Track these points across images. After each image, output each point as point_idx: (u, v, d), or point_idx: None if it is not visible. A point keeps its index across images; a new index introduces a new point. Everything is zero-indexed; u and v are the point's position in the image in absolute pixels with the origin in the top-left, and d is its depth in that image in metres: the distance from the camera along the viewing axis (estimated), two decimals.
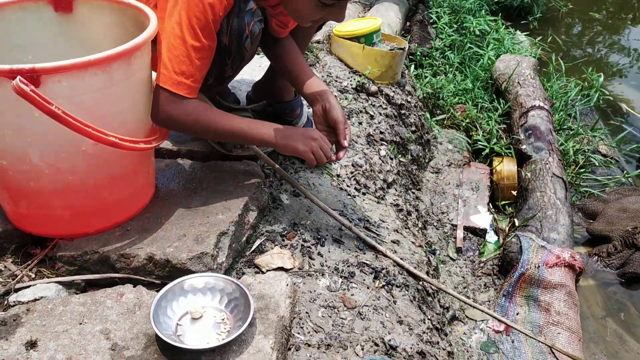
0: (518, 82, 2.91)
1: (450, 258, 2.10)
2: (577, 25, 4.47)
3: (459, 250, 2.15)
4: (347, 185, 1.79)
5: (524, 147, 2.56)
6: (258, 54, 2.17)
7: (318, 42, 2.50)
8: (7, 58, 1.33)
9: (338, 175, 1.80)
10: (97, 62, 1.08)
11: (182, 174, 1.52)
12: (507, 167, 2.51)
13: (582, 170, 2.66)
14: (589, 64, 3.71)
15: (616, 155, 2.81)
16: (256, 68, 2.07)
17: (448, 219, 2.28)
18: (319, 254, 1.45)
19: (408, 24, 3.49)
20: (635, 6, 4.79)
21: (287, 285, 1.24)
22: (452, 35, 3.38)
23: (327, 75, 2.29)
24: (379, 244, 1.56)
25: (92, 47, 1.38)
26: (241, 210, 1.38)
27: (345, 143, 1.45)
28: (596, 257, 2.25)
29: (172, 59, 1.23)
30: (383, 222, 1.72)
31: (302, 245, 1.45)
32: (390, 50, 2.36)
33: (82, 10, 1.39)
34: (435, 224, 2.20)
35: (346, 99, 2.20)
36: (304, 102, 1.90)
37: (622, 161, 2.81)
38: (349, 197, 1.73)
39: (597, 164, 2.68)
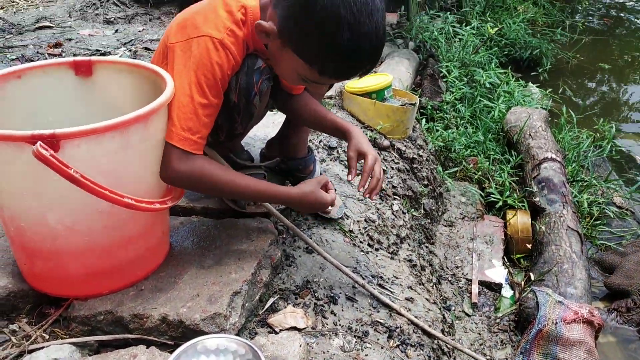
0: (529, 134, 2.93)
1: (466, 314, 2.07)
2: (586, 76, 4.51)
3: (474, 306, 2.12)
4: (360, 241, 1.79)
5: (537, 199, 2.55)
6: (271, 111, 2.21)
7: (330, 97, 2.54)
8: (27, 120, 1.37)
9: (351, 231, 1.80)
10: (115, 126, 1.10)
11: (196, 232, 1.53)
12: (521, 219, 2.50)
13: (598, 222, 2.64)
14: (600, 115, 3.73)
15: (631, 207, 2.79)
16: (269, 125, 2.11)
17: (463, 273, 2.25)
18: (332, 312, 1.44)
19: (419, 78, 3.54)
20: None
21: (300, 346, 1.23)
22: (463, 89, 3.42)
23: None
24: (392, 301, 1.54)
25: (110, 108, 1.42)
26: (254, 268, 1.38)
27: (349, 177, 1.50)
28: (615, 312, 2.20)
29: (179, 115, 1.27)
30: (397, 278, 1.71)
31: (315, 303, 1.44)
32: (402, 105, 2.39)
33: (102, 73, 1.43)
34: (449, 278, 2.18)
35: None
36: (317, 159, 1.92)
37: (638, 213, 2.78)
38: (362, 253, 1.73)
39: (612, 216, 2.65)
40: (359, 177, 1.51)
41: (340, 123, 1.57)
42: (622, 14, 5.83)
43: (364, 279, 1.58)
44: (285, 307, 1.41)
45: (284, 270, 1.54)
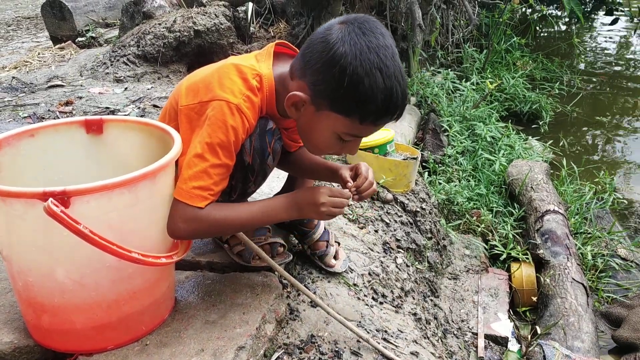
0: (531, 187, 2.96)
1: None
2: (586, 129, 4.58)
3: None
4: (365, 295, 1.79)
5: (541, 251, 2.56)
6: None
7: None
8: (39, 176, 1.41)
9: (355, 284, 1.81)
10: (124, 183, 1.14)
11: (201, 286, 1.54)
12: (525, 272, 2.50)
13: (602, 274, 2.63)
14: (601, 167, 3.76)
15: (636, 259, 2.78)
16: (274, 179, 2.14)
17: (468, 326, 2.24)
18: None
19: (421, 132, 3.61)
20: (637, 109, 4.93)
21: None
22: (464, 142, 3.48)
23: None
24: (397, 356, 1.54)
25: (119, 165, 1.46)
26: (259, 323, 1.39)
27: (349, 184, 1.47)
28: None
29: (190, 175, 1.30)
30: (401, 332, 1.70)
31: (319, 358, 1.44)
32: (404, 159, 2.43)
33: (112, 131, 1.48)
34: (455, 332, 2.16)
35: (362, 207, 2.25)
36: None
37: None
38: (366, 306, 1.73)
39: (617, 268, 2.65)
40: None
41: (331, 164, 1.62)
42: (619, 70, 5.94)
43: (368, 333, 1.58)
44: None
45: (288, 325, 1.54)
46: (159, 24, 4.17)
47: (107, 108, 3.33)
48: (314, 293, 1.68)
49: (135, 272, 1.25)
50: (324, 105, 1.29)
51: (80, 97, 3.54)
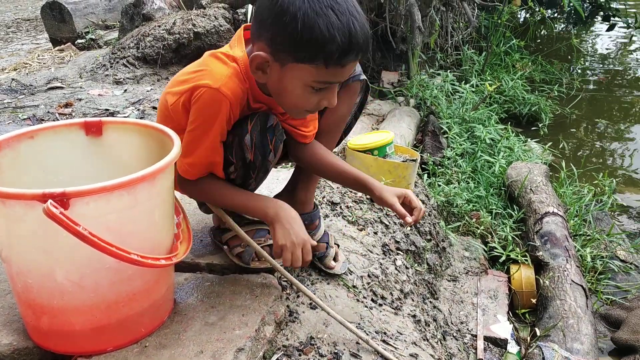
0: (531, 189, 2.96)
1: None
2: (586, 131, 4.59)
3: None
4: (364, 297, 1.79)
5: (540, 253, 2.56)
6: (275, 168, 2.25)
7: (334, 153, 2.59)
8: (38, 178, 1.41)
9: (354, 286, 1.81)
10: (123, 184, 1.14)
11: (200, 288, 1.54)
12: (524, 274, 2.50)
13: (602, 276, 2.63)
14: (600, 169, 3.77)
15: (635, 261, 2.78)
16: (274, 181, 2.15)
17: (468, 328, 2.24)
18: None
19: (420, 134, 3.61)
20: (635, 112, 4.92)
21: None
22: (464, 144, 3.48)
23: (342, 187, 2.36)
24: (397, 357, 1.54)
25: (118, 167, 1.46)
26: (258, 324, 1.39)
27: (408, 219, 1.54)
28: None
29: (184, 150, 1.38)
30: (401, 334, 1.70)
31: None
32: (403, 161, 2.44)
33: (111, 133, 1.48)
34: (454, 334, 2.16)
35: (361, 209, 2.25)
36: (321, 215, 1.95)
37: None
38: (365, 308, 1.73)
39: (616, 270, 2.65)
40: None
41: (360, 175, 1.62)
42: (617, 73, 5.96)
43: (367, 334, 1.58)
44: None
45: (287, 327, 1.54)
46: (159, 26, 4.17)
47: (107, 110, 3.34)
48: (314, 295, 1.68)
49: (134, 273, 1.25)
50: (287, 59, 1.28)
51: (80, 99, 3.54)
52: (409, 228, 2.32)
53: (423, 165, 3.16)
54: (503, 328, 2.24)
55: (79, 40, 5.30)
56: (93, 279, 1.20)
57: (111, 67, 4.12)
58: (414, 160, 2.48)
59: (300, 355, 1.45)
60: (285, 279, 1.68)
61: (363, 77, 1.68)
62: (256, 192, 1.95)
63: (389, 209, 1.68)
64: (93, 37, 5.35)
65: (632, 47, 6.79)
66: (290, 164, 2.30)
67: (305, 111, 1.41)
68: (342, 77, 1.33)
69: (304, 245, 1.43)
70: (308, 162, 1.68)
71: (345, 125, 1.73)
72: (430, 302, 2.20)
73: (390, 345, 1.60)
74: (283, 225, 1.43)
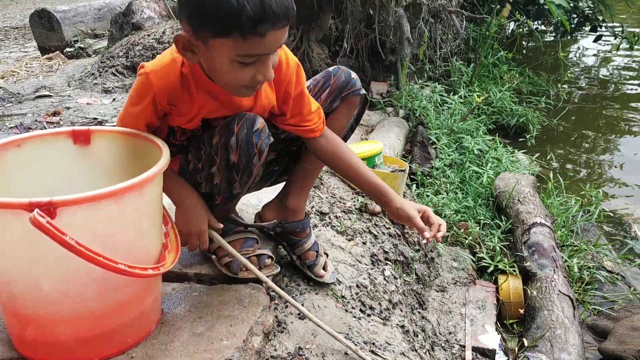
0: (518, 200, 2.98)
1: None
2: (572, 142, 4.62)
3: None
4: (352, 307, 1.79)
5: (528, 264, 2.57)
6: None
7: None
8: (25, 187, 1.40)
9: (343, 297, 1.81)
10: (111, 194, 1.13)
11: (188, 298, 1.53)
12: (512, 284, 2.51)
13: (589, 287, 2.65)
14: (587, 180, 3.80)
15: (622, 272, 2.80)
16: (262, 191, 2.14)
17: (456, 339, 2.24)
18: None
19: (409, 145, 3.62)
20: (621, 123, 4.98)
21: None
22: (452, 155, 3.50)
23: (332, 196, 2.36)
24: None
25: (106, 175, 1.46)
26: (246, 335, 1.38)
27: (427, 234, 1.57)
28: None
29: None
30: (389, 344, 1.70)
31: None
32: (392, 171, 2.45)
33: (99, 142, 1.48)
34: (442, 344, 2.16)
35: (350, 219, 2.25)
36: (312, 224, 1.95)
37: (629, 277, 2.80)
38: (354, 319, 1.73)
39: (603, 281, 2.67)
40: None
41: (381, 184, 1.64)
42: (604, 85, 6.03)
43: (356, 345, 1.58)
44: None
45: (275, 337, 1.53)
46: (148, 35, 4.17)
47: (95, 119, 3.32)
48: (302, 305, 1.67)
49: (121, 283, 1.24)
50: (206, 35, 1.26)
51: (68, 108, 3.52)
52: (397, 239, 2.32)
53: (412, 176, 3.17)
54: (491, 338, 2.24)
55: (68, 49, 5.29)
56: (80, 289, 1.19)
57: (100, 75, 4.10)
58: (403, 171, 2.48)
59: None
60: (274, 290, 1.68)
61: (363, 91, 1.70)
62: (244, 201, 1.96)
63: (400, 223, 1.69)
64: (82, 45, 5.33)
65: (618, 59, 6.86)
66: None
67: (244, 87, 1.36)
68: (268, 48, 1.29)
69: (201, 235, 1.52)
70: (324, 158, 1.68)
71: (341, 137, 1.74)
72: (419, 312, 2.20)
73: (379, 355, 1.60)
74: (185, 212, 1.52)
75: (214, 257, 1.67)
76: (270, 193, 1.92)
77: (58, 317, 1.21)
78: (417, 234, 2.48)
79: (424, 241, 1.59)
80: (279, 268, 1.69)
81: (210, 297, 1.54)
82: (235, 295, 1.55)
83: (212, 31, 1.25)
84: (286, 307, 1.65)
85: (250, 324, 1.43)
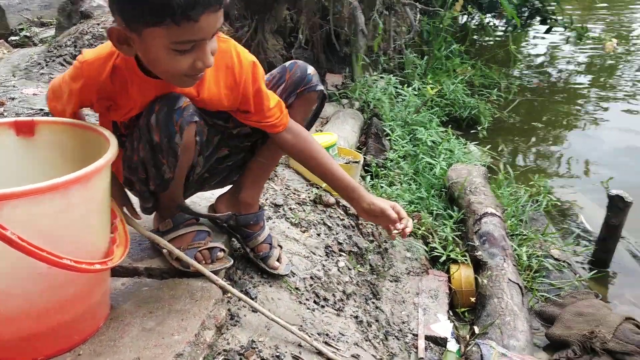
0: (470, 190, 3.03)
1: None
2: (523, 134, 4.74)
3: None
4: (306, 299, 1.79)
5: (479, 253, 2.62)
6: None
7: None
8: None
9: (297, 289, 1.81)
10: (55, 187, 1.10)
11: (138, 293, 1.50)
12: (464, 273, 2.56)
13: (537, 274, 2.72)
14: (536, 171, 3.90)
15: (568, 259, 2.89)
16: None
17: (409, 328, 2.27)
18: None
19: (363, 136, 3.65)
20: (569, 116, 5.12)
21: None
22: (406, 147, 3.54)
23: (286, 188, 2.35)
24: (339, 358, 1.54)
25: (52, 168, 1.40)
26: (197, 329, 1.37)
27: (399, 226, 1.60)
28: None
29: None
30: (343, 335, 1.71)
31: None
32: (346, 163, 2.45)
33: (44, 133, 1.43)
34: (396, 334, 2.19)
35: (304, 211, 2.25)
36: (266, 216, 1.94)
37: (575, 264, 2.89)
38: (307, 310, 1.73)
39: (550, 268, 2.75)
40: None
41: (351, 181, 1.65)
42: (553, 78, 6.19)
43: (310, 336, 1.58)
44: None
45: (228, 330, 1.52)
46: (98, 24, 4.06)
47: (42, 110, 3.21)
48: (255, 298, 1.67)
49: (67, 279, 1.20)
50: (139, 26, 1.24)
51: (13, 98, 3.39)
52: (351, 230, 2.33)
53: (366, 167, 3.19)
54: (443, 327, 2.28)
55: (13, 38, 5.10)
56: (22, 286, 1.15)
57: (47, 65, 3.97)
58: (357, 162, 2.50)
59: (241, 359, 1.44)
60: (227, 282, 1.67)
61: (320, 87, 1.68)
62: (196, 195, 1.93)
63: (370, 218, 1.69)
64: (27, 34, 5.15)
65: (567, 53, 7.05)
66: None
67: (185, 77, 1.34)
68: (203, 34, 1.27)
69: None
70: (290, 153, 1.68)
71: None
72: (373, 302, 2.22)
73: (332, 346, 1.61)
74: None
75: (165, 250, 1.64)
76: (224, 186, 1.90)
77: (1, 315, 1.17)
78: (372, 225, 2.50)
79: (395, 232, 1.61)
80: (232, 261, 1.68)
81: (161, 291, 1.51)
82: (187, 289, 1.53)
83: (145, 21, 1.22)
84: (239, 300, 1.64)
85: (202, 318, 1.41)
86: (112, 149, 1.26)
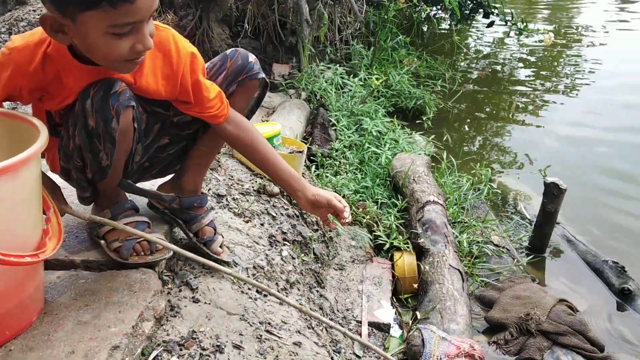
0: (413, 179, 3.09)
1: (356, 355, 2.11)
2: (466, 124, 4.85)
3: (364, 347, 2.16)
4: (249, 288, 1.79)
5: (421, 240, 2.68)
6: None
7: None
8: None
9: (239, 279, 1.80)
10: None
11: (74, 286, 1.47)
12: (407, 260, 2.61)
13: (477, 260, 2.80)
14: (478, 159, 4.01)
15: (507, 245, 2.99)
16: None
17: (353, 315, 2.30)
18: None
19: (310, 126, 3.65)
20: (511, 106, 5.27)
21: None
22: (352, 137, 3.57)
23: (229, 178, 2.34)
24: (280, 347, 1.55)
25: None
26: (135, 321, 1.35)
27: (346, 214, 1.70)
28: (495, 345, 2.33)
29: None
30: (285, 323, 1.72)
31: (200, 354, 1.42)
32: (290, 153, 2.46)
33: None
34: (340, 321, 2.22)
35: (247, 201, 2.24)
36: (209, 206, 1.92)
37: (513, 250, 2.99)
38: (250, 300, 1.73)
39: (490, 254, 2.83)
40: None
41: (293, 173, 1.67)
42: (496, 68, 6.35)
43: (251, 325, 1.59)
44: None
45: (168, 322, 1.50)
46: (34, 10, 3.92)
47: None
48: (196, 288, 1.66)
49: None
50: (74, 12, 1.20)
51: None
52: (295, 219, 2.34)
53: (312, 157, 3.21)
54: (386, 313, 2.33)
55: None
56: None
57: None
58: (301, 152, 2.50)
59: (181, 349, 1.43)
60: (167, 274, 1.65)
61: (261, 75, 1.67)
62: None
63: (313, 209, 1.72)
64: None
65: (510, 45, 7.24)
66: None
67: (126, 61, 1.31)
68: (141, 15, 1.24)
69: None
70: (232, 143, 1.69)
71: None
72: (317, 291, 2.24)
73: (274, 335, 1.62)
74: None
75: (102, 242, 1.60)
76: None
77: None
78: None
79: (346, 220, 1.64)
80: (172, 252, 1.66)
81: (99, 284, 1.49)
82: (125, 281, 1.50)
83: (79, 5, 1.18)
84: (180, 291, 1.62)
85: (140, 310, 1.39)
86: (42, 139, 1.22)
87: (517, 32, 5.86)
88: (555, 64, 6.48)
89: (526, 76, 6.09)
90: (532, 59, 6.69)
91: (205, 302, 1.61)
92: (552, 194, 2.87)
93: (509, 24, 5.84)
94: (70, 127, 1.44)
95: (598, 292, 2.75)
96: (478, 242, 2.89)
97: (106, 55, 1.29)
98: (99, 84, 1.37)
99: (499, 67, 6.43)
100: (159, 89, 1.49)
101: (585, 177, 3.84)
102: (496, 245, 2.93)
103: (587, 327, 2.31)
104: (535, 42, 6.96)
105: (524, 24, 5.75)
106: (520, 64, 6.50)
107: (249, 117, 1.79)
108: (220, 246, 1.80)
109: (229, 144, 1.69)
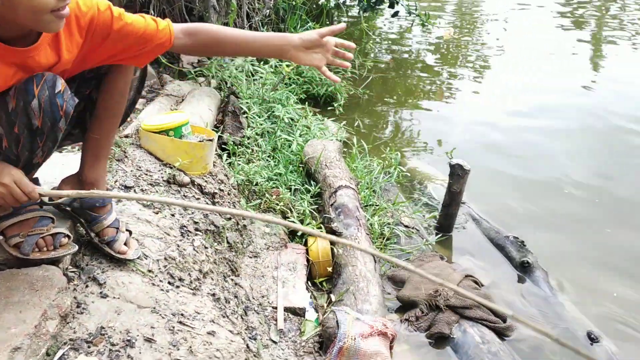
0: (326, 165, 3.13)
1: (273, 341, 2.13)
2: (376, 109, 4.95)
3: (280, 332, 2.19)
4: (160, 280, 1.76)
5: (334, 224, 2.72)
6: (59, 152, 2.11)
7: (127, 136, 2.49)
8: None
9: (150, 271, 1.77)
10: None
11: None
12: (321, 245, 2.65)
13: (389, 241, 2.89)
14: (388, 144, 4.11)
15: (417, 225, 3.10)
16: (58, 165, 1.99)
17: (269, 301, 2.32)
18: (129, 356, 1.39)
19: (221, 115, 3.61)
20: (420, 92, 5.45)
21: None
22: (263, 124, 3.56)
23: (137, 169, 2.28)
24: (193, 337, 1.54)
25: None
26: (38, 320, 1.30)
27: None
28: (406, 322, 2.42)
29: None
30: (199, 313, 1.71)
31: (110, 349, 1.39)
32: (200, 141, 2.42)
33: None
34: (255, 308, 2.22)
35: (157, 191, 2.20)
36: (114, 201, 1.86)
37: (422, 230, 3.10)
38: (161, 292, 1.70)
39: (400, 235, 2.93)
40: None
41: (273, 34, 1.64)
42: (405, 55, 6.52)
43: (163, 317, 1.56)
44: (76, 358, 1.34)
45: (75, 319, 1.46)
46: None
47: None
48: (104, 283, 1.61)
49: None
50: None
51: None
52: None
53: (223, 145, 3.18)
54: (301, 298, 2.36)
55: None
56: None
57: None
58: (211, 140, 2.47)
59: (89, 347, 1.39)
60: (72, 270, 1.60)
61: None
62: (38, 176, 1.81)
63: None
64: None
65: (417, 32, 7.44)
66: (77, 147, 2.17)
67: (52, 14, 1.26)
68: None
69: (19, 181, 1.38)
70: (195, 53, 1.74)
71: (127, 101, 1.68)
72: (232, 279, 2.24)
73: (187, 325, 1.60)
74: None
75: (1, 237, 1.53)
76: (67, 168, 1.80)
77: None
78: (228, 202, 2.50)
79: (351, 47, 1.67)
80: (77, 247, 1.60)
81: None
82: (26, 279, 1.44)
83: None
84: (87, 286, 1.58)
85: (43, 308, 1.34)
86: None
87: (420, 24, 6.05)
88: (459, 55, 6.73)
89: (435, 61, 6.28)
90: (439, 47, 6.91)
91: (114, 297, 1.57)
92: (457, 174, 3.00)
93: (412, 15, 6.01)
94: (6, 124, 1.36)
95: (501, 266, 2.91)
96: (389, 224, 2.98)
97: (31, 8, 1.22)
98: (41, 83, 1.31)
99: (405, 53, 6.60)
100: (85, 59, 1.47)
101: (488, 159, 4.03)
102: (407, 227, 3.04)
103: (490, 299, 2.45)
104: (437, 37, 7.16)
105: (427, 16, 5.94)
106: (428, 51, 6.69)
107: (136, 97, 1.76)
108: (126, 243, 1.75)
109: (195, 54, 1.66)
